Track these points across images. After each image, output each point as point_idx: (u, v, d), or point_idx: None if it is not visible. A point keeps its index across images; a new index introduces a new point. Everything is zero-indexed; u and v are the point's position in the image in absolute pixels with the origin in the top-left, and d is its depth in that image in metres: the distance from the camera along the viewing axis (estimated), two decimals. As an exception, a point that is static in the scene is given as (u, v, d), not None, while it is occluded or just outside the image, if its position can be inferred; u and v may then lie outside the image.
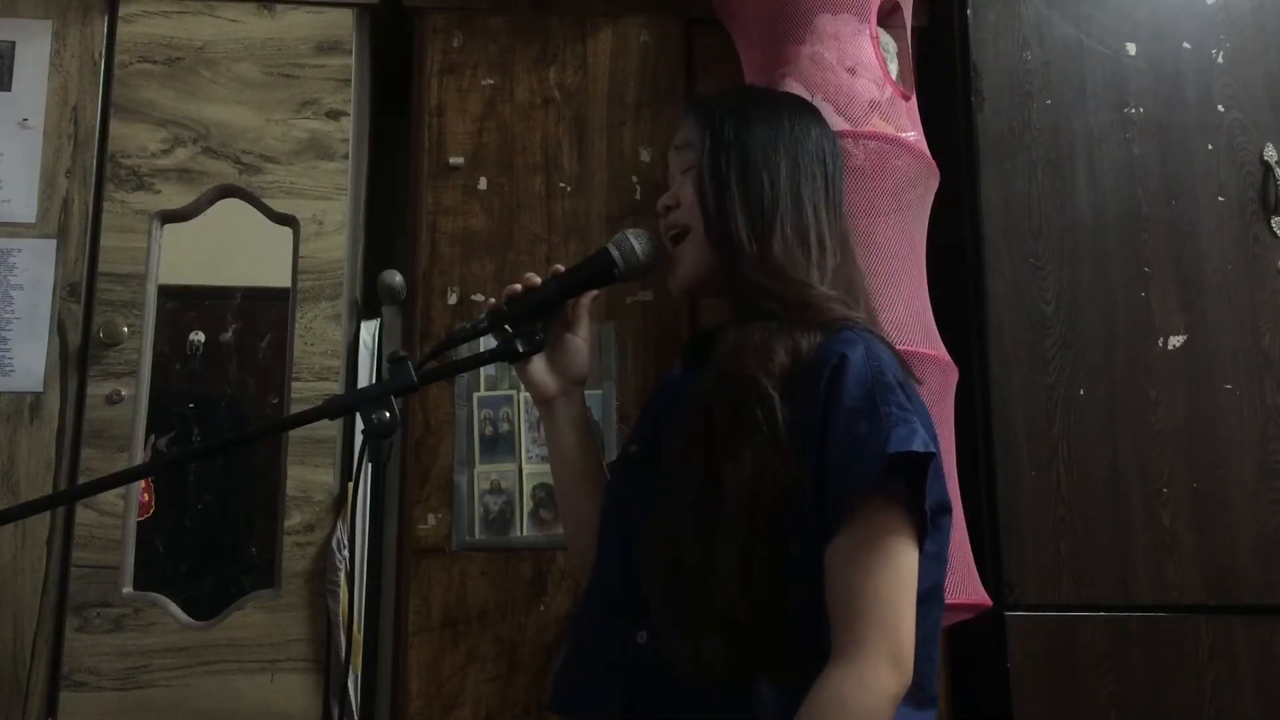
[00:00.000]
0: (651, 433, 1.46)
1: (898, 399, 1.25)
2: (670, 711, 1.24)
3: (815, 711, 1.15)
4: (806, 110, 1.50)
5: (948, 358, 1.87)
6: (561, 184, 2.10)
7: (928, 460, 1.22)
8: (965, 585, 1.77)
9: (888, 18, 2.00)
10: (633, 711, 1.26)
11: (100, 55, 2.07)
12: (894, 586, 1.20)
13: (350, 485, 1.94)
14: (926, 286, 1.87)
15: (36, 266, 1.99)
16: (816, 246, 1.38)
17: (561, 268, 1.46)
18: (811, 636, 1.21)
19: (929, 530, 1.24)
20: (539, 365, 1.48)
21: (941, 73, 2.17)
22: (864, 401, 1.23)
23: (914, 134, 1.90)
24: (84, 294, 1.99)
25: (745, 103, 1.48)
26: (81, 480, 1.91)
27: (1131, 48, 2.14)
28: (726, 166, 1.39)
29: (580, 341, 1.50)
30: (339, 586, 1.89)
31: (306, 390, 1.99)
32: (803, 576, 1.22)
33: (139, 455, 1.96)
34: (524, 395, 1.95)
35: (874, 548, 1.20)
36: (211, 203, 2.08)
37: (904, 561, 1.22)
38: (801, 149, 1.42)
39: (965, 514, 1.81)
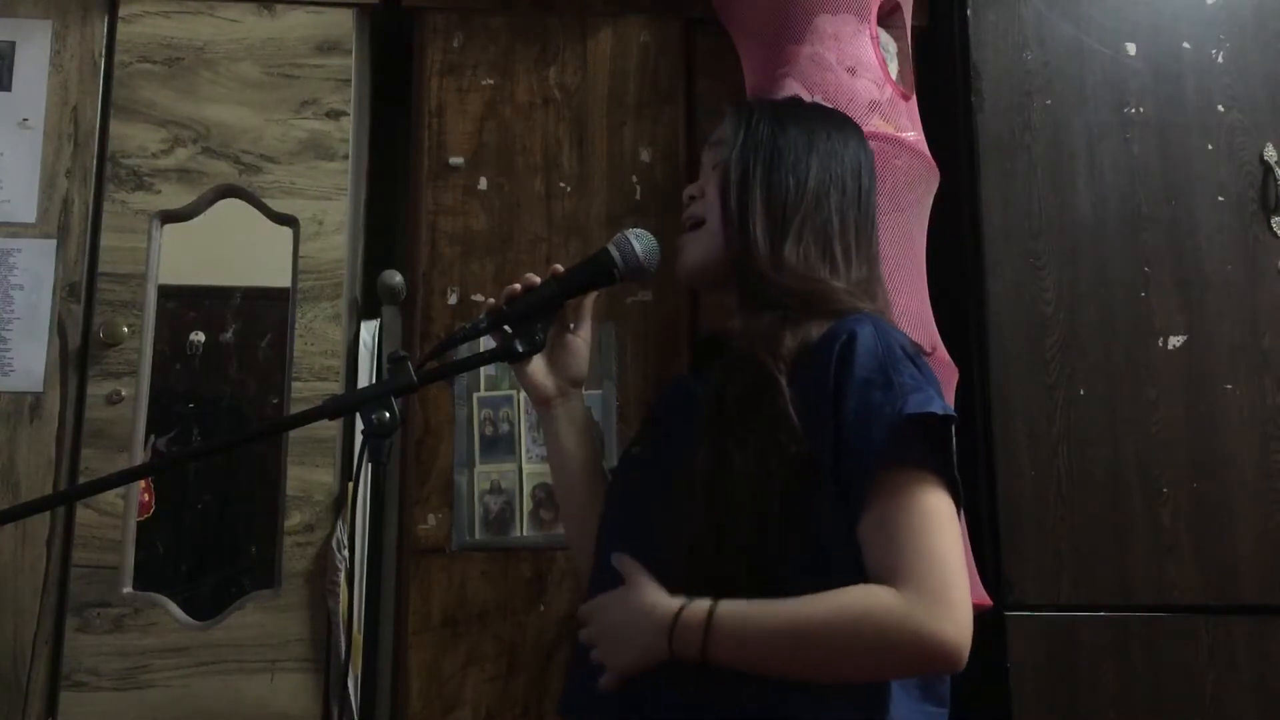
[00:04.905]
0: (656, 433, 1.45)
1: (910, 369, 1.24)
2: (683, 706, 1.23)
3: (850, 609, 1.15)
4: (847, 125, 1.49)
5: (948, 358, 1.87)
6: (561, 184, 2.10)
7: (949, 423, 1.21)
8: (965, 585, 1.76)
9: (888, 18, 2.00)
10: (644, 711, 1.25)
11: (100, 55, 2.07)
12: (937, 537, 1.17)
13: (350, 485, 1.94)
14: (926, 286, 1.87)
15: (36, 266, 1.99)
16: (841, 255, 1.37)
17: (561, 268, 1.46)
18: None
19: (960, 491, 1.23)
20: (538, 366, 1.48)
21: (941, 73, 2.17)
22: (876, 373, 1.23)
23: (914, 134, 1.90)
24: (84, 294, 1.99)
25: (785, 109, 1.48)
26: (81, 480, 1.91)
27: (1131, 48, 2.14)
28: (754, 164, 1.39)
29: (580, 342, 1.50)
30: (339, 586, 1.89)
31: (306, 390, 1.99)
32: (824, 555, 1.21)
33: (139, 455, 1.96)
34: (524, 395, 1.95)
35: (907, 507, 1.18)
36: (211, 203, 2.08)
37: (943, 510, 1.20)
38: (835, 158, 1.41)
39: (965, 514, 1.80)
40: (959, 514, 1.25)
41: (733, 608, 1.18)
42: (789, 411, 1.23)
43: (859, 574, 1.19)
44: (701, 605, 1.18)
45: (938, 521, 1.19)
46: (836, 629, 1.15)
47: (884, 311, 1.40)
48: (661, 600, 1.21)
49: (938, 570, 1.16)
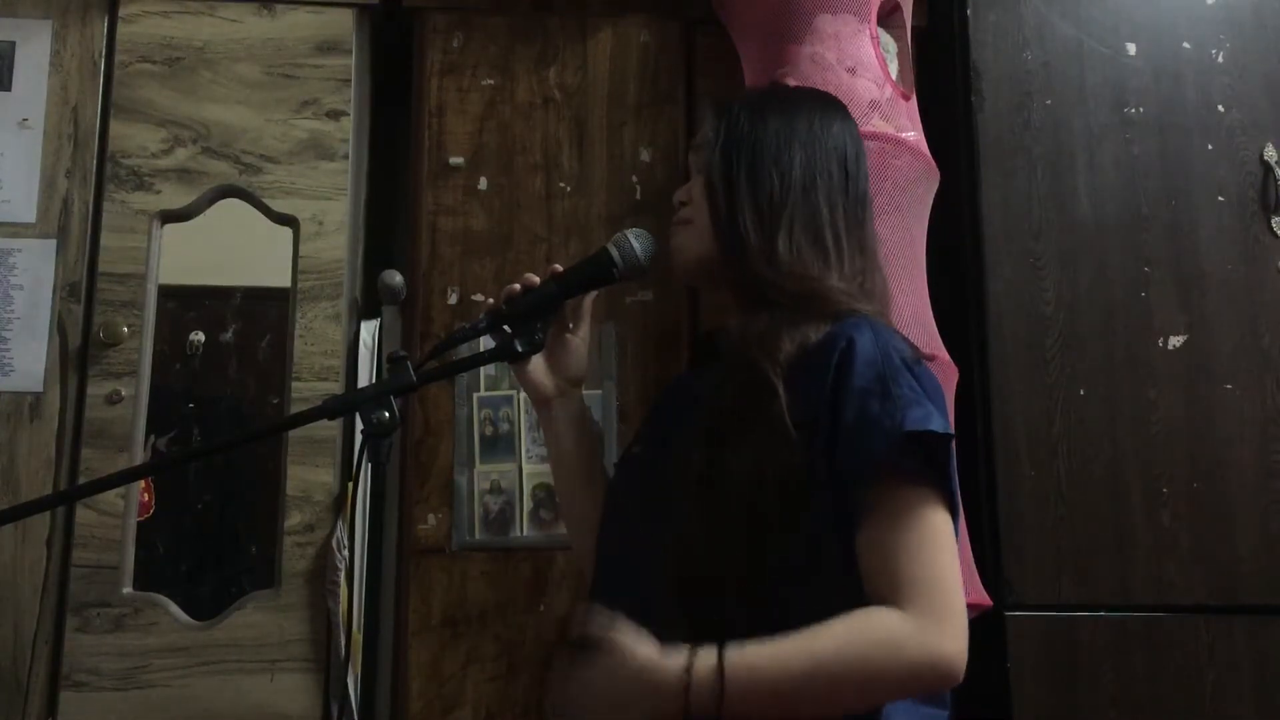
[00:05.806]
0: (657, 433, 1.45)
1: (908, 380, 1.23)
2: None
3: (860, 637, 1.13)
4: (831, 106, 1.47)
5: (948, 358, 1.87)
6: (561, 184, 2.10)
7: (948, 440, 1.21)
8: (966, 585, 1.75)
9: (888, 18, 2.00)
10: None
11: (100, 55, 2.07)
12: (937, 555, 1.18)
13: (350, 485, 1.94)
14: (926, 286, 1.87)
15: (36, 266, 1.99)
16: (833, 245, 1.35)
17: (560, 268, 1.46)
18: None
19: (957, 503, 1.22)
20: (538, 365, 1.48)
21: (941, 73, 2.17)
22: (874, 383, 1.22)
23: (914, 134, 1.90)
24: (84, 294, 1.99)
25: (764, 100, 1.46)
26: (81, 480, 1.91)
27: (1131, 48, 2.14)
28: (736, 162, 1.38)
29: (579, 342, 1.50)
30: (339, 586, 1.89)
31: (306, 390, 1.99)
32: (816, 558, 1.21)
33: (139, 455, 1.96)
34: (524, 395, 1.95)
35: (907, 525, 1.18)
36: (211, 203, 2.08)
37: (942, 528, 1.20)
38: (819, 145, 1.39)
39: (965, 514, 1.80)
40: (957, 523, 1.25)
41: (742, 656, 1.12)
42: (785, 416, 1.22)
43: (849, 577, 1.19)
44: (709, 658, 1.11)
45: (935, 539, 1.19)
46: (851, 662, 1.13)
47: (883, 308, 1.39)
48: (660, 661, 1.11)
49: (938, 589, 1.16)
